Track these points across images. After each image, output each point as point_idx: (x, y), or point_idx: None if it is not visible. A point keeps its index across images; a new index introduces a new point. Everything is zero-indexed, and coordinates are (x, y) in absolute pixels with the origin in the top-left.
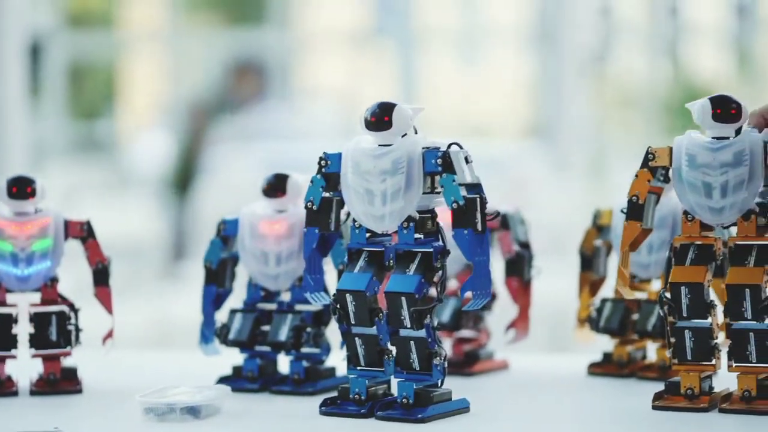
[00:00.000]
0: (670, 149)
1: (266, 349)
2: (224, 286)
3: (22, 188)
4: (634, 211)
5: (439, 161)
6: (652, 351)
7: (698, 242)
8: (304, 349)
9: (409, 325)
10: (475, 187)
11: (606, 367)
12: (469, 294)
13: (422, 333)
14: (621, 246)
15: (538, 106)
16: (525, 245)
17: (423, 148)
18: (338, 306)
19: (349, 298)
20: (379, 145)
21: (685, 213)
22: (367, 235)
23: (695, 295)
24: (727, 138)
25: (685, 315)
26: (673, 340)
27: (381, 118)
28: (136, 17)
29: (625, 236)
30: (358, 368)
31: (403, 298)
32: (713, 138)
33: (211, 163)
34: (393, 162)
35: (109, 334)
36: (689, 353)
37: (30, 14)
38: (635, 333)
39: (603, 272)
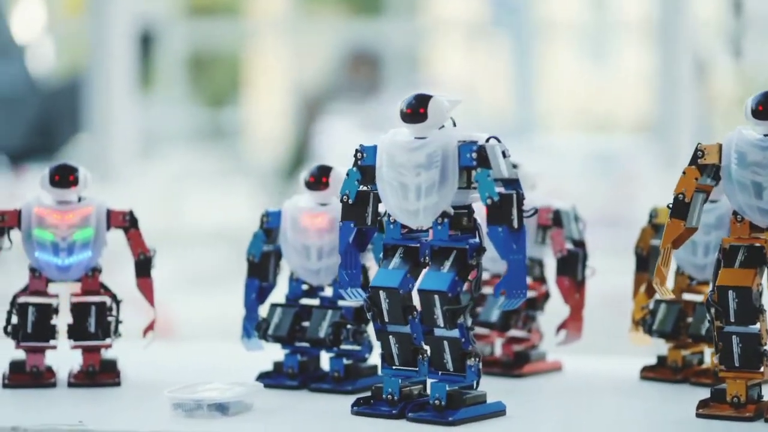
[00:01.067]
0: (720, 146)
1: (305, 345)
2: (267, 279)
3: (64, 176)
4: (680, 208)
5: (475, 155)
6: (708, 356)
7: (748, 244)
8: (344, 346)
9: (442, 324)
10: (512, 183)
11: (660, 372)
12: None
13: (456, 333)
14: (662, 243)
15: (655, 101)
16: (579, 243)
17: (459, 141)
18: (372, 303)
19: (382, 295)
20: (415, 138)
21: (735, 213)
22: (403, 230)
23: (743, 300)
24: None
25: (732, 320)
26: (720, 345)
27: (417, 109)
28: (262, 6)
29: (666, 233)
30: (393, 368)
31: (436, 297)
32: (765, 135)
33: (323, 152)
34: (427, 156)
35: (150, 326)
36: (737, 360)
37: (141, 4)
38: (689, 337)
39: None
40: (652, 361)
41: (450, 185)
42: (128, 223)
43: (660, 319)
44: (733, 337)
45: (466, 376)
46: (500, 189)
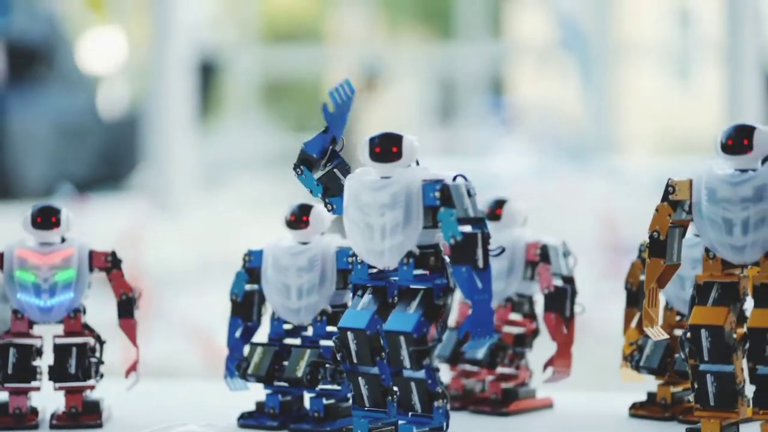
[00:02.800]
0: (691, 182)
1: (285, 384)
2: (251, 319)
3: (46, 218)
4: (656, 247)
5: (438, 194)
6: None
7: (721, 280)
8: (323, 386)
9: (408, 366)
10: (478, 222)
11: (649, 409)
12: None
13: (422, 374)
14: (645, 284)
15: (728, 122)
16: (568, 280)
17: (423, 180)
18: (340, 344)
19: (350, 336)
20: (381, 178)
21: (707, 250)
22: (372, 270)
23: (716, 339)
24: (752, 170)
25: (706, 359)
26: (695, 384)
27: (389, 149)
28: (344, 31)
29: (648, 274)
30: (363, 409)
31: (401, 337)
32: (736, 170)
33: None
34: (392, 195)
35: (133, 367)
36: (711, 399)
37: (203, 34)
38: (675, 373)
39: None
40: (645, 397)
41: (414, 225)
42: (110, 264)
43: (647, 355)
44: (708, 375)
45: (432, 417)
46: (467, 228)
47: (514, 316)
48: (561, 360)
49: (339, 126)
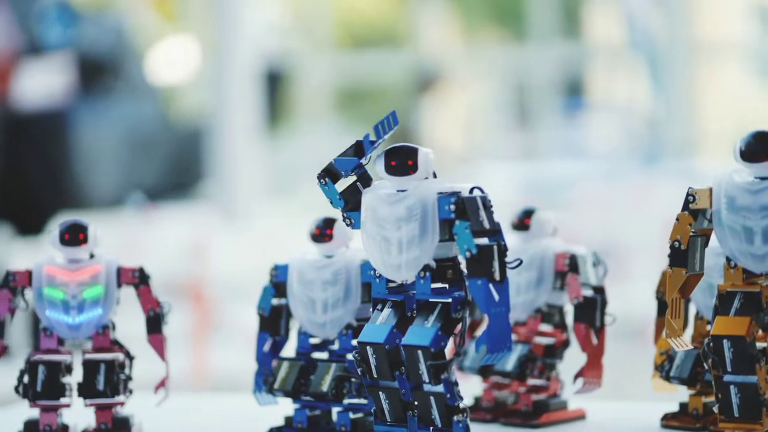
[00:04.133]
0: (711, 190)
1: (310, 399)
2: (279, 333)
3: (74, 235)
4: (677, 256)
5: (453, 207)
6: None
7: (744, 290)
8: (349, 400)
9: (427, 380)
10: (495, 234)
11: (682, 419)
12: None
13: (441, 388)
14: (667, 295)
15: None
16: (599, 290)
17: (438, 193)
18: (360, 359)
19: (369, 350)
20: (397, 191)
21: (728, 259)
22: (391, 284)
23: (738, 349)
24: None
25: (729, 369)
26: (719, 395)
27: (405, 162)
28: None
29: (669, 284)
30: (385, 424)
31: (419, 352)
32: (756, 178)
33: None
34: (407, 208)
35: (162, 383)
36: (736, 410)
37: (269, 42)
38: (705, 383)
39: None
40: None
41: (430, 238)
42: (138, 279)
43: (677, 365)
44: (731, 386)
45: None
46: (484, 240)
47: (545, 327)
48: (591, 371)
49: (372, 151)
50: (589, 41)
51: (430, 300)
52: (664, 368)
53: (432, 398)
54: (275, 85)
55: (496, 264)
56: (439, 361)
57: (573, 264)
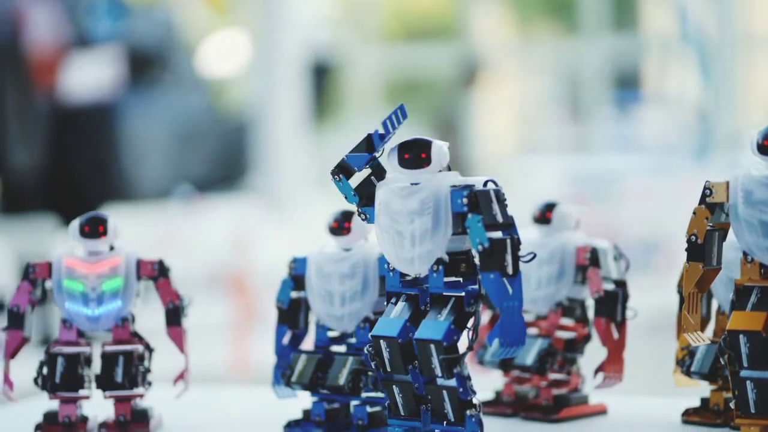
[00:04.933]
0: (727, 184)
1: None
2: (297, 326)
3: (94, 227)
4: (694, 251)
5: (465, 200)
6: None
7: (761, 284)
8: (366, 394)
9: (439, 374)
10: (508, 227)
11: (703, 415)
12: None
13: (454, 382)
14: (684, 289)
15: None
16: (620, 283)
17: (451, 186)
18: (374, 352)
19: (383, 344)
20: (411, 184)
21: (745, 254)
22: (405, 277)
23: (755, 344)
24: None
25: (745, 365)
26: (736, 391)
27: (418, 155)
28: (483, 29)
29: (686, 279)
30: (399, 418)
31: (432, 346)
32: None
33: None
34: (420, 202)
35: (181, 375)
36: (752, 406)
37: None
38: (726, 378)
39: (706, 312)
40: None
41: (443, 232)
42: (157, 272)
43: (698, 360)
44: (748, 382)
45: (465, 427)
46: (497, 234)
47: (566, 321)
48: (612, 365)
49: (383, 146)
50: (642, 34)
51: (444, 294)
52: (684, 363)
53: (445, 392)
54: (323, 78)
55: (509, 257)
56: (451, 355)
57: (594, 258)
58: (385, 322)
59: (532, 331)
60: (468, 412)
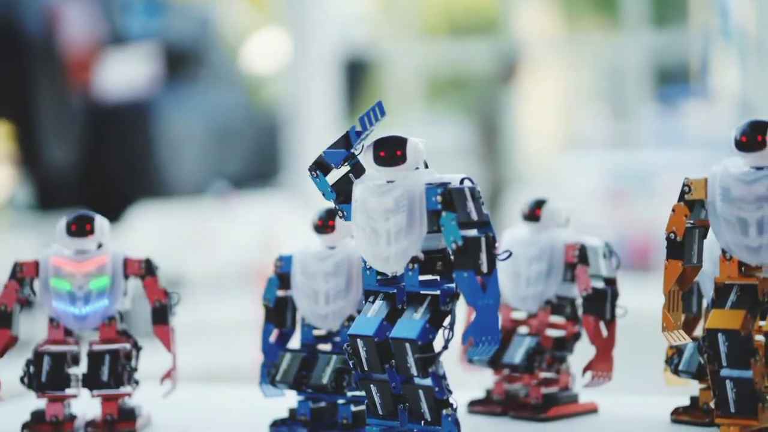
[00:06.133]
0: (706, 181)
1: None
2: (284, 325)
3: (81, 226)
4: (674, 248)
5: (440, 198)
6: None
7: (740, 282)
8: (350, 392)
9: (415, 373)
10: (483, 226)
11: (692, 414)
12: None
13: (430, 381)
14: (664, 287)
15: None
16: (610, 281)
17: (426, 184)
18: (352, 351)
19: (359, 343)
20: (387, 182)
21: (723, 251)
22: (382, 276)
23: (733, 343)
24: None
25: (724, 364)
26: (716, 391)
27: (393, 152)
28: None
29: (666, 276)
30: (377, 417)
31: (407, 345)
32: (751, 168)
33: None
34: (395, 200)
35: (168, 374)
36: (732, 405)
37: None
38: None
39: (696, 310)
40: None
41: (418, 230)
42: (144, 270)
43: (686, 359)
44: (727, 381)
45: (441, 426)
46: (473, 232)
47: (556, 319)
48: (600, 364)
49: (360, 143)
50: (688, 28)
51: (420, 292)
52: (673, 362)
53: (421, 392)
54: (359, 75)
55: (483, 256)
56: (426, 354)
57: (582, 255)
58: (362, 321)
59: (522, 329)
60: (444, 412)
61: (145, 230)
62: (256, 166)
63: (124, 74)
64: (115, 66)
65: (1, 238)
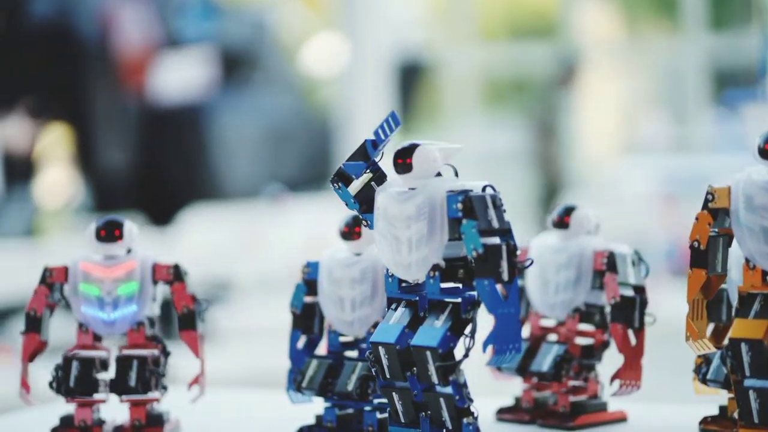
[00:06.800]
0: (729, 189)
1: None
2: (312, 331)
3: (110, 231)
4: (697, 257)
5: (460, 206)
6: None
7: (765, 292)
8: (375, 400)
9: (436, 381)
10: (505, 234)
11: (721, 423)
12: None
13: (450, 389)
14: (688, 296)
15: None
16: (639, 289)
17: (448, 191)
18: (374, 359)
19: (381, 350)
20: (409, 189)
21: (747, 260)
22: (404, 283)
23: (756, 353)
24: None
25: (747, 374)
26: (739, 401)
27: (404, 159)
28: (587, 27)
29: (690, 285)
30: (399, 425)
31: (427, 353)
32: None
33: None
34: (416, 207)
35: (196, 380)
36: (756, 416)
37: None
38: None
39: (726, 319)
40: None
41: (438, 238)
42: (172, 276)
43: (714, 368)
44: (750, 392)
45: None
46: (494, 240)
47: (585, 327)
48: (628, 372)
49: (378, 155)
50: (748, 32)
51: (442, 300)
52: (701, 371)
53: (442, 400)
54: (415, 79)
55: (504, 264)
56: (447, 362)
57: (611, 263)
58: (384, 328)
59: (551, 336)
60: (465, 420)
61: (198, 233)
62: (310, 169)
63: (179, 77)
64: (170, 69)
65: (61, 240)
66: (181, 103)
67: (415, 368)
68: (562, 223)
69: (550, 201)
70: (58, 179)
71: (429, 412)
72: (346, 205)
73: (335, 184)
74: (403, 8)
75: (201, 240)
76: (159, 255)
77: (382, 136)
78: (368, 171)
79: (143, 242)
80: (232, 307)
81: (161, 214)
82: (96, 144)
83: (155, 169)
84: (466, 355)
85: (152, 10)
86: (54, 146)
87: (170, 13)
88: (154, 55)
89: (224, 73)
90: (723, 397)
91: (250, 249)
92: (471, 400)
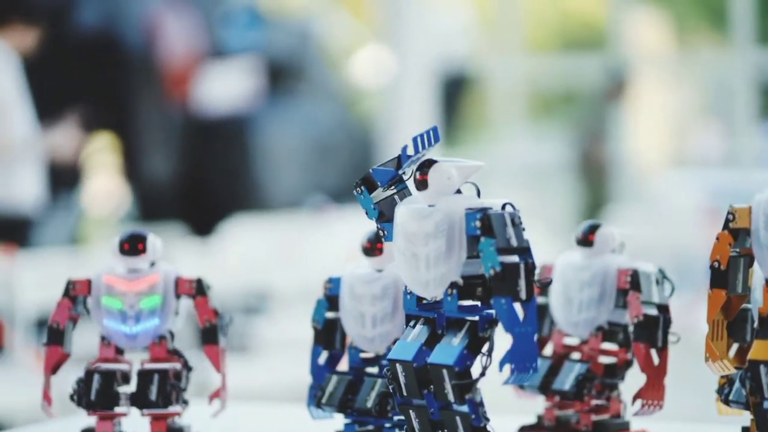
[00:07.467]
0: (750, 209)
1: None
2: (333, 347)
3: (133, 245)
4: (717, 277)
5: (478, 224)
6: None
7: None
8: (394, 417)
9: (452, 399)
10: (523, 252)
11: None
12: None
13: (467, 408)
14: (707, 317)
15: None
16: (663, 308)
17: (466, 209)
18: (392, 376)
19: (398, 368)
20: (428, 206)
21: (767, 281)
22: (423, 300)
23: None
24: None
25: (766, 396)
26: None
27: (422, 177)
28: (636, 39)
29: (710, 307)
30: None
31: (444, 371)
32: None
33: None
34: (435, 224)
35: (216, 393)
36: None
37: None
38: None
39: (750, 339)
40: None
41: (457, 255)
42: (195, 290)
43: (736, 389)
44: None
45: None
46: (513, 258)
47: (609, 346)
48: (650, 392)
49: (409, 166)
50: None
51: (460, 318)
52: (723, 391)
53: (458, 418)
54: (459, 90)
55: (522, 283)
56: (464, 381)
57: (635, 281)
58: (402, 345)
59: (574, 355)
60: None
61: (239, 243)
62: (353, 180)
63: (224, 87)
64: (215, 79)
65: (105, 249)
66: (225, 113)
67: (431, 386)
68: (586, 240)
69: (596, 214)
70: (104, 188)
71: (445, 430)
72: (366, 212)
73: (358, 188)
74: (449, 19)
75: (243, 250)
76: (200, 265)
77: (420, 148)
78: (394, 183)
79: (185, 252)
80: (272, 318)
81: (204, 224)
82: (141, 154)
83: (199, 179)
84: (482, 374)
85: (198, 20)
86: (100, 155)
87: (216, 22)
88: (199, 65)
89: (269, 84)
90: (745, 418)
91: (292, 260)
92: (487, 419)
